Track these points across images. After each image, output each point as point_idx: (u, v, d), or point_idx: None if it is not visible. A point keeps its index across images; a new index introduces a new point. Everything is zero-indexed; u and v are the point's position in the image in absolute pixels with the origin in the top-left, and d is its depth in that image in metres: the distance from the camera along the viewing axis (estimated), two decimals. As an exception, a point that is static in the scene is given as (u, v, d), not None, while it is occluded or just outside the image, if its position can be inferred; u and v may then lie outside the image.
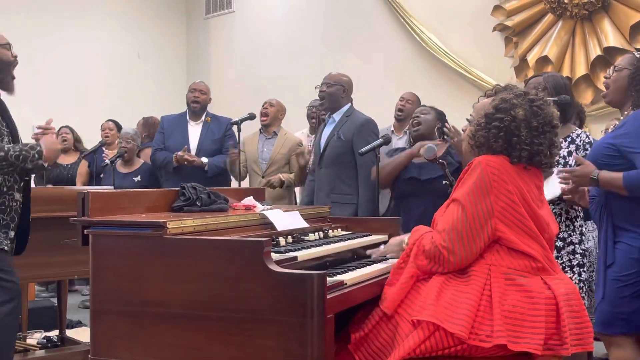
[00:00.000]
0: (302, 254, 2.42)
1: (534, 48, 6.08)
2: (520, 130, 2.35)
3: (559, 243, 3.38)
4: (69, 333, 4.97)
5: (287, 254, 2.37)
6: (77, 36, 8.73)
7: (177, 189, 2.81)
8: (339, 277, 2.30)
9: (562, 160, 3.37)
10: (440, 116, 4.09)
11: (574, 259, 3.37)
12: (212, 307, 2.16)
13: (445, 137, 3.91)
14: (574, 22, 5.84)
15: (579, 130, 3.50)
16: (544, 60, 5.97)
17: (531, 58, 6.07)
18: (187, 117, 5.51)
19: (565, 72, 5.74)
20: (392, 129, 5.43)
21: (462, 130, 2.68)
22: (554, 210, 3.31)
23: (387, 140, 4.14)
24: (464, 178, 2.37)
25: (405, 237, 2.58)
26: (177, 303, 2.20)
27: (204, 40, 9.49)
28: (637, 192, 2.89)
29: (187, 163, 5.23)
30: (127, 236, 2.28)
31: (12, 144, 3.06)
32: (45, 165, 3.09)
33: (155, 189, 3.33)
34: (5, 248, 3.12)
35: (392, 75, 6.93)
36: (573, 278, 3.33)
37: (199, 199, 2.74)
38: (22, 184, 3.18)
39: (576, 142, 3.42)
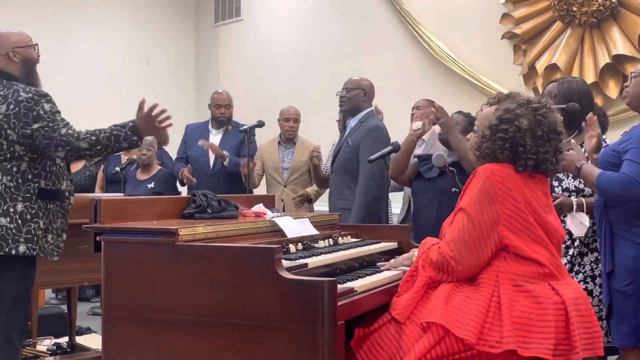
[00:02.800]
0: (313, 261, 2.43)
1: (542, 56, 6.07)
2: (525, 140, 2.37)
3: (583, 249, 3.35)
4: (79, 340, 4.98)
5: (297, 260, 2.38)
6: (87, 44, 8.76)
7: (187, 196, 2.83)
8: (349, 284, 2.31)
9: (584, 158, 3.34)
10: (471, 126, 4.02)
11: (596, 268, 3.32)
12: (223, 314, 2.17)
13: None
14: (583, 30, 5.83)
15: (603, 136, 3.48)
16: (552, 68, 5.95)
17: (540, 66, 6.06)
18: (210, 127, 5.62)
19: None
20: None
21: (467, 140, 2.68)
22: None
23: (396, 148, 4.14)
24: (469, 187, 2.39)
25: (415, 252, 2.59)
26: (189, 310, 2.21)
27: (213, 48, 9.52)
28: (604, 193, 2.93)
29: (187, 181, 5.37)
30: (139, 243, 2.30)
31: (102, 128, 3.12)
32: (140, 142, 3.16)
33: (166, 196, 3.34)
34: (55, 259, 3.20)
35: (401, 83, 6.93)
36: (594, 289, 3.30)
37: (210, 206, 2.76)
38: (73, 186, 3.32)
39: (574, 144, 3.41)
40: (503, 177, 2.33)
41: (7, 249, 2.99)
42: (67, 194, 3.22)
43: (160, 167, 6.08)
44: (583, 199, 3.28)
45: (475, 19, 6.60)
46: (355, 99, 4.50)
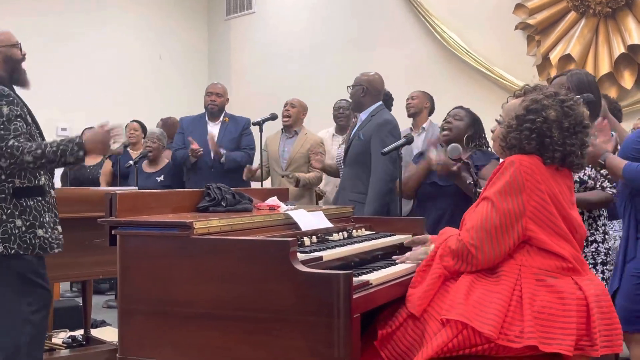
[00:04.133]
0: (327, 254, 2.42)
1: (556, 46, 6.04)
2: (552, 132, 2.33)
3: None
4: (94, 332, 5.00)
5: (312, 253, 2.37)
6: (101, 38, 8.79)
7: (202, 189, 2.83)
8: (364, 277, 2.29)
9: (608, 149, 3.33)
10: (475, 122, 3.96)
11: (597, 257, 3.34)
12: (238, 307, 2.16)
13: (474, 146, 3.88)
14: (597, 20, 5.79)
15: None
16: (566, 59, 5.92)
17: (554, 56, 6.02)
18: (206, 118, 5.63)
19: (589, 70, 5.68)
20: (411, 126, 5.46)
21: (491, 131, 2.66)
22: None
23: (409, 140, 4.12)
24: (495, 177, 2.36)
25: (431, 246, 2.58)
26: (204, 303, 2.21)
27: (225, 41, 9.52)
28: (632, 183, 2.91)
29: (196, 154, 5.36)
30: (154, 236, 2.29)
31: (49, 141, 3.10)
32: (86, 157, 3.12)
33: (180, 190, 3.34)
34: (55, 251, 3.20)
35: (414, 75, 6.91)
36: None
37: (224, 199, 2.75)
38: (53, 180, 3.30)
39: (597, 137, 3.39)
40: (532, 169, 2.31)
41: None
42: (47, 187, 3.21)
43: (169, 160, 6.10)
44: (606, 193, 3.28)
45: (488, 9, 6.56)
46: (355, 96, 4.49)
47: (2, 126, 2.99)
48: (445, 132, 3.92)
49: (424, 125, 5.26)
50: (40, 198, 3.16)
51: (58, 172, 6.31)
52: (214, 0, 9.70)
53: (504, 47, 6.47)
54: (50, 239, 3.17)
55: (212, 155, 5.41)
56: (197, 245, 2.22)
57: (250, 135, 5.46)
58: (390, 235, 3.05)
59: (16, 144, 3.00)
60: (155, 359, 2.28)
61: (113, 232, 2.35)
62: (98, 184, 6.68)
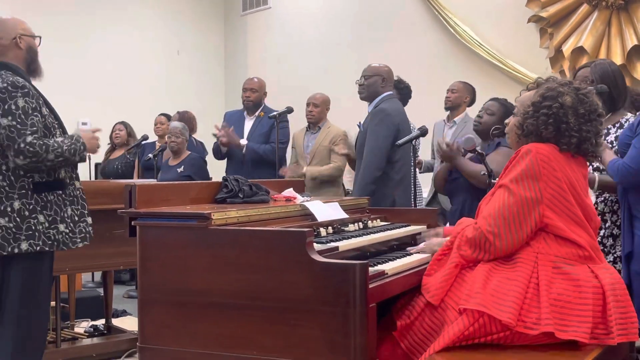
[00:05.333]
0: (344, 244, 2.40)
1: (569, 39, 5.96)
2: (568, 117, 2.31)
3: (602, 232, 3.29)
4: (115, 322, 5.02)
5: (328, 244, 2.35)
6: (121, 34, 8.81)
7: (219, 181, 2.82)
8: (380, 267, 2.28)
9: (609, 146, 3.29)
10: (507, 116, 3.92)
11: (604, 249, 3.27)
12: (256, 297, 2.16)
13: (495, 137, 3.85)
14: (610, 12, 5.70)
15: (629, 115, 3.41)
16: (579, 51, 5.84)
17: (567, 49, 5.95)
18: (245, 113, 5.63)
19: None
20: (445, 119, 5.39)
21: (505, 124, 2.62)
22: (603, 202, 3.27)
23: (423, 132, 4.08)
24: (512, 165, 2.33)
25: (445, 238, 2.55)
26: (222, 293, 2.20)
27: (242, 37, 9.50)
28: (613, 179, 2.93)
29: (225, 143, 5.35)
30: (173, 227, 2.29)
31: (61, 139, 3.06)
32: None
33: (198, 182, 3.34)
34: (79, 245, 3.16)
35: (428, 68, 6.86)
36: None
37: (242, 190, 2.74)
38: (77, 171, 3.25)
39: (624, 127, 3.34)
40: (549, 156, 2.28)
41: (9, 249, 2.94)
42: (68, 180, 3.14)
43: (190, 152, 6.11)
44: (595, 174, 3.21)
45: (501, 2, 6.50)
46: (374, 86, 4.40)
47: (19, 120, 2.90)
48: (476, 123, 3.88)
49: (456, 119, 5.16)
50: (61, 192, 3.09)
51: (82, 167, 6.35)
52: (230, -5, 9.69)
53: (517, 40, 6.40)
54: (71, 234, 3.10)
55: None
56: (215, 235, 2.21)
57: (285, 129, 5.38)
58: (405, 226, 3.03)
59: (37, 141, 2.92)
60: (175, 347, 2.27)
61: (132, 223, 2.35)
62: (122, 178, 6.70)
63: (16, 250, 2.95)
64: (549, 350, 2.17)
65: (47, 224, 3.01)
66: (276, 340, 2.12)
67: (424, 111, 5.54)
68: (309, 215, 2.71)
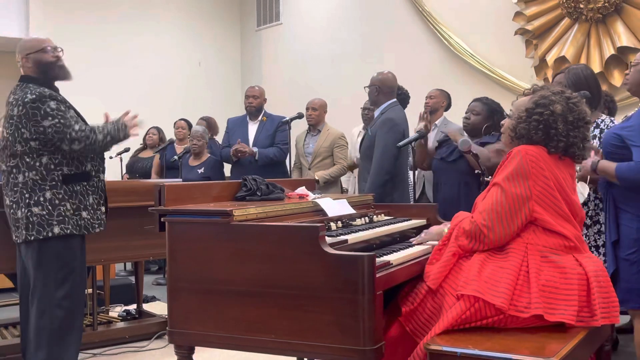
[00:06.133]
0: (352, 237, 2.38)
1: (552, 49, 5.92)
2: (557, 124, 2.30)
3: (587, 221, 3.25)
4: (145, 307, 5.04)
5: (338, 237, 2.34)
6: (149, 48, 8.84)
7: (239, 180, 2.80)
8: (385, 258, 2.26)
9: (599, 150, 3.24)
10: (493, 113, 3.89)
11: (599, 238, 3.24)
12: (273, 285, 2.14)
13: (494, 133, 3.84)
14: (589, 25, 5.66)
15: (604, 117, 3.37)
16: (561, 60, 5.80)
17: (550, 58, 5.91)
18: (247, 119, 5.62)
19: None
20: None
21: (501, 125, 2.61)
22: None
23: (422, 135, 4.07)
24: (504, 165, 2.32)
25: (444, 227, 2.54)
26: (242, 281, 2.19)
27: (256, 50, 9.50)
28: (626, 182, 2.83)
29: (241, 154, 5.38)
30: (198, 223, 2.27)
31: (102, 124, 3.23)
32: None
33: (220, 181, 3.33)
34: (97, 230, 3.24)
35: (424, 77, 6.83)
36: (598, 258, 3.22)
37: (259, 189, 2.72)
38: (104, 165, 3.34)
39: (600, 127, 3.30)
40: (537, 157, 2.27)
41: (44, 233, 3.07)
42: (93, 173, 3.24)
43: (209, 155, 6.11)
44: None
45: (490, 17, 6.47)
46: (371, 95, 4.42)
47: (58, 117, 3.06)
48: (465, 123, 3.93)
49: (437, 122, 5.18)
50: (86, 183, 3.20)
51: (112, 163, 6.36)
52: (246, 13, 9.67)
53: (504, 50, 6.36)
54: (92, 220, 3.21)
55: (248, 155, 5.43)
56: (237, 230, 2.20)
57: (285, 132, 5.42)
58: (406, 220, 3.01)
59: (85, 126, 3.10)
60: (200, 330, 2.26)
61: (162, 219, 2.33)
62: (143, 175, 6.71)
63: (50, 234, 3.08)
64: (539, 332, 2.15)
65: (72, 211, 3.13)
66: (291, 324, 2.10)
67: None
68: (320, 211, 2.69)
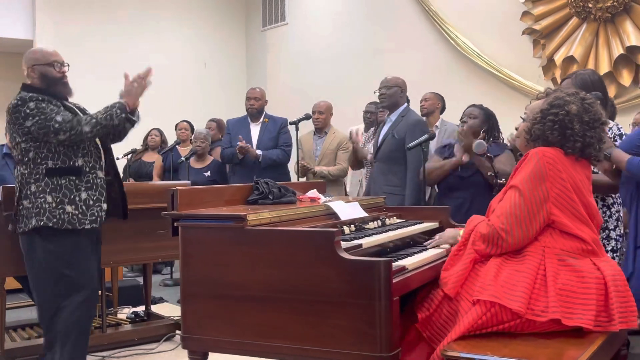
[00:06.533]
0: (366, 242, 2.36)
1: (560, 49, 5.87)
2: (573, 124, 2.27)
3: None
4: (153, 308, 5.00)
5: (352, 241, 2.31)
6: (155, 49, 8.80)
7: (251, 184, 2.78)
8: (400, 263, 2.23)
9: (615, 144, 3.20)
10: (488, 117, 3.87)
11: (607, 244, 3.20)
12: (288, 290, 2.11)
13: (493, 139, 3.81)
14: (598, 25, 5.62)
15: (612, 123, 3.34)
16: (569, 60, 5.76)
17: (558, 58, 5.87)
18: (249, 120, 5.59)
19: (590, 70, 5.53)
20: None
21: (515, 129, 2.58)
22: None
23: (432, 136, 4.07)
24: (521, 167, 2.29)
25: (460, 230, 2.51)
26: (257, 286, 2.16)
27: (262, 50, 9.46)
28: (635, 176, 2.83)
29: (244, 151, 5.33)
30: (211, 227, 2.25)
31: (90, 115, 3.13)
32: (131, 115, 3.13)
33: (232, 185, 3.30)
34: (87, 227, 3.12)
35: (431, 77, 6.79)
36: None
37: (271, 192, 2.70)
38: (102, 162, 3.24)
39: (608, 134, 3.27)
40: (554, 159, 2.24)
41: (27, 226, 3.08)
42: (87, 168, 3.16)
43: (212, 157, 6.08)
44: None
45: (497, 16, 6.42)
46: (395, 96, 4.41)
47: (39, 114, 3.03)
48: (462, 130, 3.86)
49: (437, 124, 5.15)
50: (74, 177, 3.13)
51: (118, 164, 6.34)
52: (251, 13, 9.64)
53: (512, 50, 6.32)
54: (80, 215, 3.11)
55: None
56: (251, 235, 2.17)
57: (287, 134, 5.41)
58: (419, 223, 2.97)
59: (68, 117, 3.03)
60: (214, 336, 2.24)
61: (175, 224, 2.31)
62: (148, 178, 6.68)
63: (28, 227, 3.07)
64: (556, 337, 2.12)
65: (54, 204, 3.07)
66: (307, 329, 2.08)
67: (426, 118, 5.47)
68: (332, 215, 2.66)
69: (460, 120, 3.94)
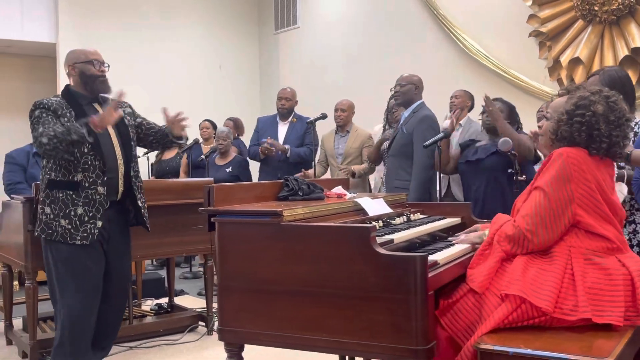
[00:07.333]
0: (398, 237, 2.30)
1: (566, 50, 5.81)
2: (599, 124, 2.20)
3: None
4: (175, 300, 4.97)
5: (384, 237, 2.25)
6: (172, 52, 8.77)
7: (280, 181, 2.73)
8: (432, 257, 2.17)
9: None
10: (510, 111, 3.87)
11: (634, 238, 3.14)
12: (324, 285, 2.06)
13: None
14: (603, 27, 5.55)
15: (638, 118, 3.27)
16: (575, 61, 5.70)
17: (564, 59, 5.80)
18: (278, 119, 5.57)
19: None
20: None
21: (539, 127, 2.52)
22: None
23: (447, 134, 4.00)
24: (545, 168, 2.23)
25: (485, 230, 2.45)
26: (294, 281, 2.11)
27: (274, 53, 9.41)
28: None
29: (268, 152, 5.31)
30: (248, 223, 2.20)
31: (57, 128, 2.98)
32: (88, 135, 2.90)
33: (262, 182, 3.26)
34: (77, 242, 3.00)
35: (439, 78, 6.73)
36: None
37: (301, 189, 2.65)
38: (104, 178, 3.07)
39: (634, 130, 3.20)
40: (578, 160, 2.18)
41: (36, 230, 3.10)
42: (86, 184, 3.02)
43: (236, 154, 6.05)
44: (624, 171, 3.09)
45: (504, 19, 6.36)
46: (409, 93, 4.35)
47: (35, 122, 3.00)
48: (486, 124, 3.87)
49: (462, 122, 5.08)
50: (72, 192, 3.01)
51: (141, 162, 6.27)
52: (264, 17, 9.59)
53: (518, 52, 6.26)
54: (72, 230, 2.99)
55: (280, 153, 5.37)
56: (287, 230, 2.12)
57: (311, 133, 5.37)
58: (442, 219, 2.92)
59: (41, 129, 2.94)
60: (251, 329, 2.19)
61: (212, 219, 2.26)
62: (174, 174, 6.65)
63: (37, 232, 3.08)
64: (586, 331, 2.07)
65: (52, 216, 3.01)
66: (343, 323, 2.03)
67: (437, 117, 5.42)
68: (360, 211, 2.61)
69: (481, 113, 3.91)
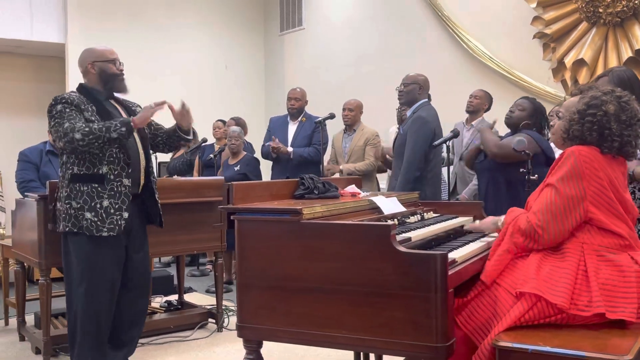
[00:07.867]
0: (415, 235, 2.29)
1: (570, 52, 5.79)
2: (611, 124, 2.20)
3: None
4: (185, 297, 4.96)
5: (401, 234, 2.24)
6: (176, 52, 8.75)
7: (296, 179, 2.72)
8: (450, 255, 2.16)
9: None
10: (535, 112, 3.77)
11: None
12: (343, 282, 2.05)
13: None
14: (607, 29, 5.53)
15: None
16: (579, 63, 5.68)
17: (568, 61, 5.78)
18: (288, 119, 5.57)
19: (599, 73, 5.44)
20: (464, 121, 5.27)
21: (551, 126, 2.51)
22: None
23: (456, 134, 4.00)
24: (557, 166, 2.23)
25: (500, 217, 2.44)
26: (313, 278, 2.09)
27: (279, 54, 9.39)
28: None
29: (276, 151, 5.34)
30: (268, 221, 2.18)
31: (91, 125, 3.01)
32: (128, 135, 2.99)
33: (279, 180, 3.25)
34: (104, 234, 3.01)
35: (444, 79, 6.71)
36: None
37: (316, 187, 2.64)
38: (129, 170, 3.09)
39: None
40: (590, 158, 2.18)
41: (58, 228, 3.10)
42: (111, 176, 3.03)
43: (246, 153, 6.05)
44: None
45: (509, 21, 6.34)
46: (412, 93, 4.32)
47: (58, 117, 2.98)
48: (509, 116, 3.82)
49: (474, 122, 5.06)
50: (97, 185, 3.01)
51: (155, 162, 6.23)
52: (270, 18, 9.57)
53: (522, 53, 6.24)
54: (99, 222, 3.00)
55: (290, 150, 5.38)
56: (307, 228, 2.11)
57: (319, 133, 5.36)
58: (455, 217, 2.91)
59: (68, 124, 2.93)
60: (270, 326, 2.18)
61: (232, 217, 2.25)
62: (182, 174, 6.64)
63: (59, 230, 3.08)
64: (600, 328, 2.07)
65: (76, 210, 3.01)
66: (363, 320, 2.01)
67: (441, 117, 5.41)
68: (375, 209, 2.60)
69: (509, 110, 3.86)
